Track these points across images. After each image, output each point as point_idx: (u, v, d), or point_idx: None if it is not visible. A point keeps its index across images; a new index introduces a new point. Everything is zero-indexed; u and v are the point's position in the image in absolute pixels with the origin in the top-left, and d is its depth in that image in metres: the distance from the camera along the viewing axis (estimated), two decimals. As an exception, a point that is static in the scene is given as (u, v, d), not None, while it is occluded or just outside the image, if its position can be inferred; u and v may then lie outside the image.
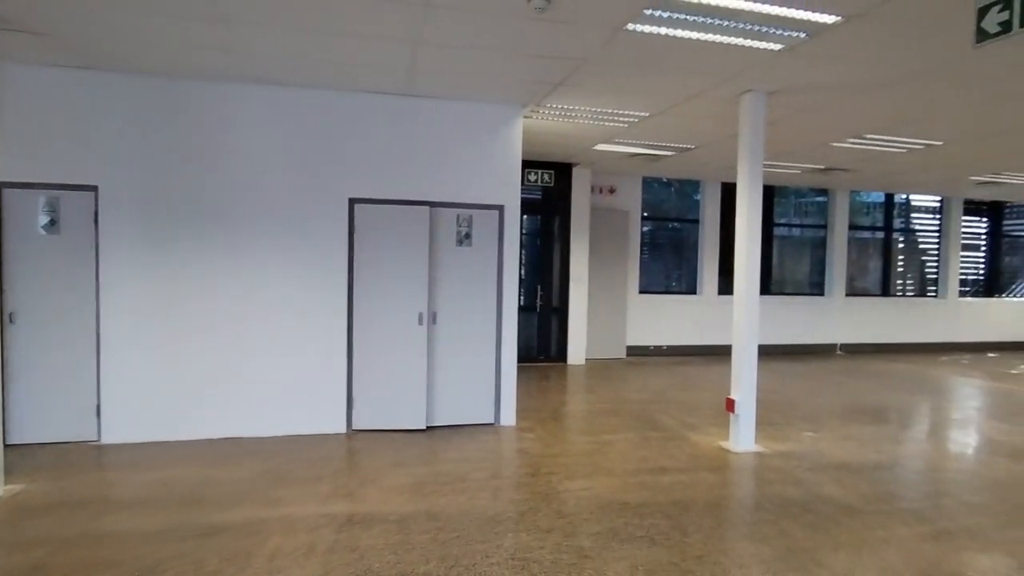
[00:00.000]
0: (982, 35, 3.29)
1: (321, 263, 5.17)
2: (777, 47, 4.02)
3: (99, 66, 4.67)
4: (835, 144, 6.91)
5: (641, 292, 9.79)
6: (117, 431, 4.86)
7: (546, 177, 8.55)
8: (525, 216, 8.89)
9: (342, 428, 5.28)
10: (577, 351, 8.96)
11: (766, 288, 10.60)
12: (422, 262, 5.28)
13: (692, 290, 10.25)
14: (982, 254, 12.21)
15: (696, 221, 10.26)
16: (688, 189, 10.42)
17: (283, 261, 5.10)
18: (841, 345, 11.01)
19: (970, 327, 11.79)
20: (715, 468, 4.59)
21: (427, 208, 5.29)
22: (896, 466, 4.77)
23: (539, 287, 8.88)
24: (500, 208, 5.51)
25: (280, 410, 5.13)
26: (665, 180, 10.27)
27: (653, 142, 7.07)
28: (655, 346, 9.87)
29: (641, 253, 9.89)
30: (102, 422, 4.84)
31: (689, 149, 7.37)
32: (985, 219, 12.18)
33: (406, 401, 5.30)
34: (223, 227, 4.98)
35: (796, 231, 11.21)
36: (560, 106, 5.60)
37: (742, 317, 5.09)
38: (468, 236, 5.44)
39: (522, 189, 8.27)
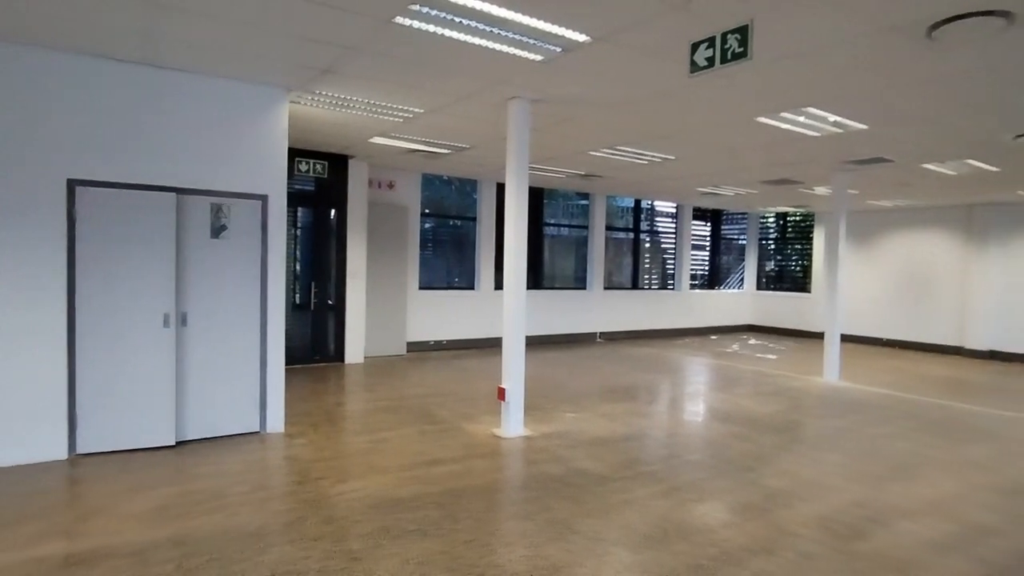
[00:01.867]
0: (694, 66, 3.89)
1: (23, 256, 4.23)
2: (537, 58, 4.30)
3: None
4: (592, 153, 7.67)
5: (422, 288, 9.86)
6: None
7: (319, 168, 8.13)
8: (298, 208, 8.38)
9: (62, 453, 4.41)
10: (355, 350, 8.71)
11: (538, 283, 11.42)
12: (167, 257, 4.64)
13: (471, 285, 10.61)
14: (706, 253, 14.62)
15: (475, 219, 10.65)
16: (468, 187, 10.76)
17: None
18: (601, 333, 12.32)
19: (698, 314, 14.05)
20: (486, 455, 4.79)
21: (173, 195, 4.66)
22: (640, 436, 5.45)
23: (313, 284, 8.44)
24: (263, 198, 5.08)
25: (-29, 439, 4.12)
26: (446, 178, 10.47)
27: (429, 139, 7.14)
28: (436, 341, 10.02)
29: (423, 249, 9.97)
30: None
31: (465, 149, 7.60)
32: (708, 224, 14.60)
33: (149, 415, 4.63)
34: None
35: (564, 230, 12.25)
36: (331, 94, 5.36)
37: (510, 310, 5.38)
38: (225, 228, 4.91)
39: (292, 180, 7.84)
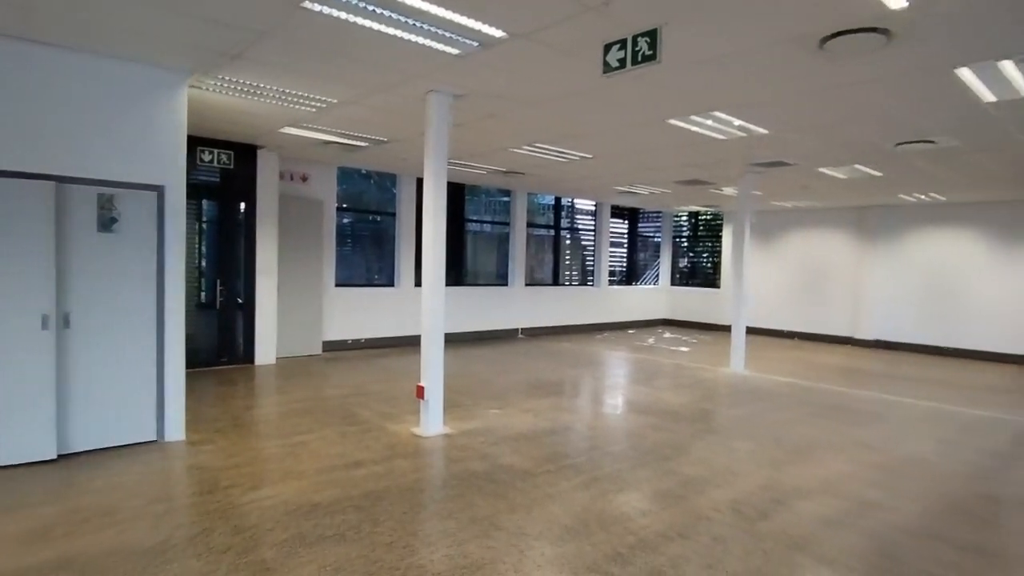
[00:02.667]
0: (607, 67, 3.96)
1: None
2: (455, 52, 4.22)
3: None
4: (512, 149, 7.68)
5: (338, 285, 9.54)
6: None
7: (224, 158, 7.67)
8: (203, 201, 7.87)
9: (-78, 473, 3.93)
10: (266, 350, 8.31)
11: (460, 279, 11.34)
12: (45, 252, 4.20)
13: (391, 282, 10.39)
14: (624, 250, 15.04)
15: (395, 214, 10.42)
16: (388, 182, 10.51)
17: None
18: (522, 329, 12.40)
19: (616, 310, 14.43)
20: (408, 455, 4.68)
21: (52, 184, 4.22)
22: (563, 430, 5.51)
23: (219, 281, 7.97)
24: (159, 189, 4.71)
25: None
26: (364, 172, 10.18)
27: (345, 131, 6.90)
28: (354, 340, 9.74)
29: (340, 245, 9.64)
30: None
31: (384, 142, 7.40)
32: (626, 222, 15.02)
33: (24, 426, 4.18)
34: None
35: (487, 227, 12.23)
36: (237, 80, 5.05)
37: (429, 307, 5.29)
38: (115, 220, 4.51)
39: (195, 170, 7.38)
